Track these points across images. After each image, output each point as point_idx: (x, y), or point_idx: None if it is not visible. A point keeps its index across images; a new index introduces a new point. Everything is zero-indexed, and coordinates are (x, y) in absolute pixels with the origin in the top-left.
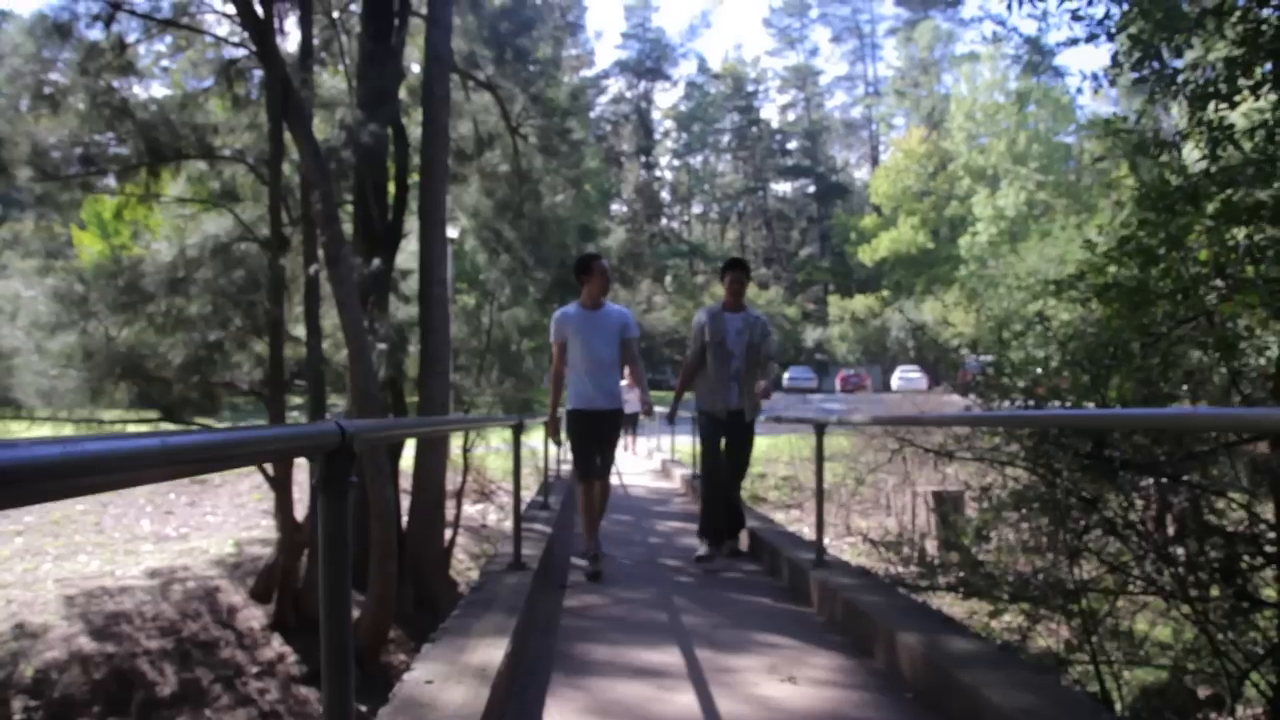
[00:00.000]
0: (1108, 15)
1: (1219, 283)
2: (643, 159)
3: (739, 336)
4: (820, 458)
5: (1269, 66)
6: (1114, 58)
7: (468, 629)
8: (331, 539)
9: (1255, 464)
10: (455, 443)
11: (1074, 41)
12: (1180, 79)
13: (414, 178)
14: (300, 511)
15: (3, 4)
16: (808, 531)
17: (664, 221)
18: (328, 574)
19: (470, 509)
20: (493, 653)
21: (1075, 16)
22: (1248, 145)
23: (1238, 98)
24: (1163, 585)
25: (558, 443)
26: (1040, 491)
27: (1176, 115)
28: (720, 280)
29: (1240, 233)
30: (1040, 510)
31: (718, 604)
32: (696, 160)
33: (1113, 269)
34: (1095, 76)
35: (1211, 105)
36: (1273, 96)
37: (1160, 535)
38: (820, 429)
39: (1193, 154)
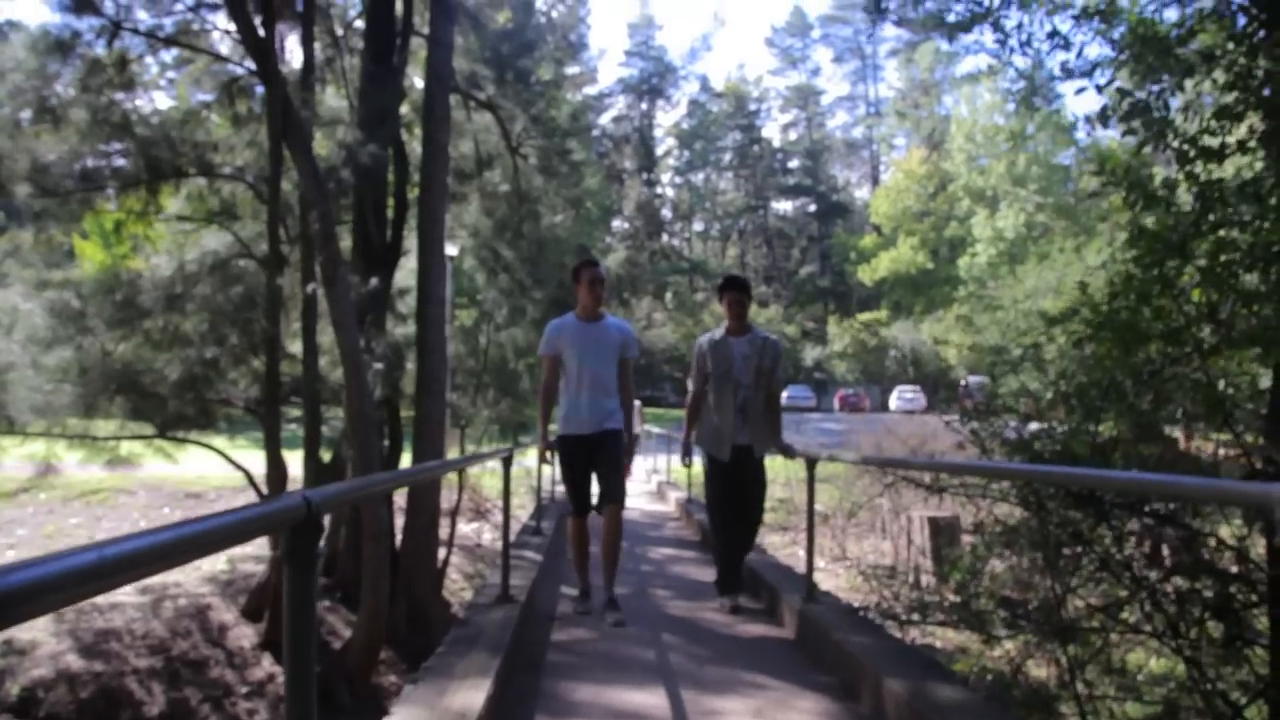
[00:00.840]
0: (1096, 66)
1: (1205, 332)
2: (644, 176)
3: (745, 363)
4: (811, 492)
5: (1261, 117)
6: (1103, 111)
7: (450, 669)
8: (297, 611)
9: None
10: (452, 457)
11: (1069, 74)
12: (1170, 131)
13: (414, 193)
14: None
15: (10, 14)
16: (803, 555)
17: (665, 239)
18: (293, 646)
19: (465, 528)
20: (474, 695)
21: (1065, 71)
22: (1236, 200)
23: (1227, 151)
24: (1155, 623)
25: (550, 464)
26: (1031, 527)
27: (1170, 155)
28: (719, 301)
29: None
30: (1031, 547)
31: (706, 639)
32: (698, 178)
33: (1105, 307)
34: (1088, 119)
35: (1200, 163)
36: (1261, 153)
37: (1152, 572)
38: (812, 464)
39: (1185, 196)
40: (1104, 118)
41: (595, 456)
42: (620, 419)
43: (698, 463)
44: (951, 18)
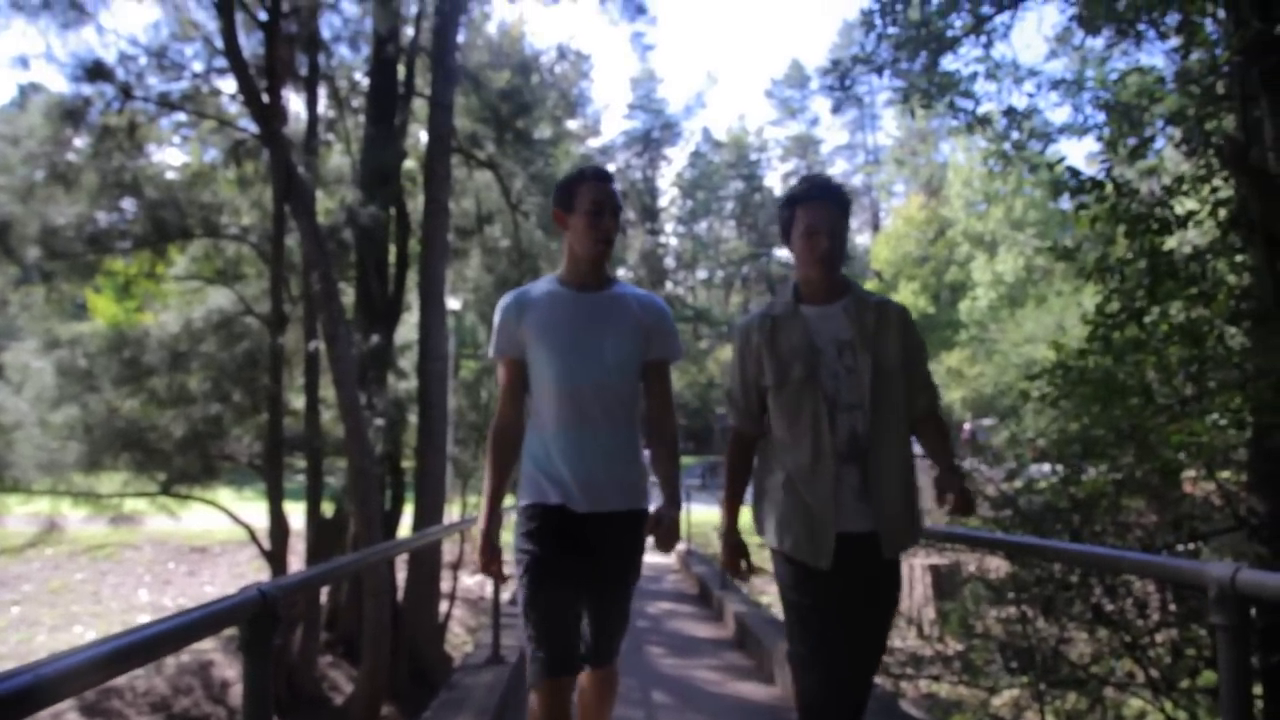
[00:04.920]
0: (1061, 130)
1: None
2: (647, 226)
3: (850, 353)
4: None
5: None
6: (1055, 185)
7: None
8: (255, 699)
9: (1237, 553)
10: (454, 511)
11: (1045, 138)
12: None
13: (415, 248)
14: None
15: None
16: None
17: (669, 287)
18: None
19: (469, 580)
20: None
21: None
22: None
23: (1179, 221)
24: (1149, 673)
25: (499, 578)
26: (1022, 580)
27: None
28: (784, 236)
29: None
30: (1020, 600)
31: (696, 700)
32: (701, 227)
33: (1081, 363)
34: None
35: (1148, 238)
36: (1210, 224)
37: (1143, 624)
38: None
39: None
40: (1055, 193)
41: (596, 561)
42: (645, 486)
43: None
44: (918, 98)
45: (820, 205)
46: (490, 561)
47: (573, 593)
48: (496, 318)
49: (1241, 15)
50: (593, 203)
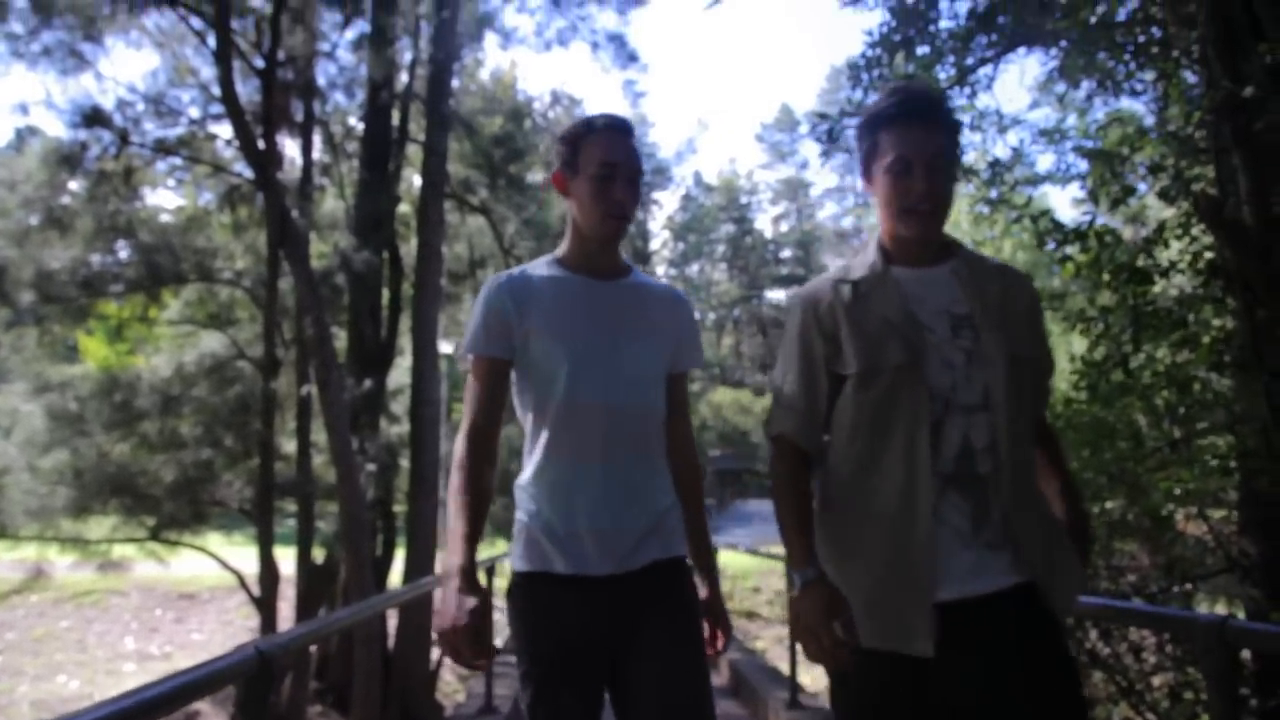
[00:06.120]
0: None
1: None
2: (639, 268)
3: (968, 334)
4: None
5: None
6: (1039, 237)
7: None
8: None
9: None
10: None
11: (1034, 184)
12: (1108, 252)
13: (408, 291)
14: (285, 628)
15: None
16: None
17: None
18: None
19: None
20: None
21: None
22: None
23: (1160, 272)
24: (1145, 718)
25: (481, 661)
26: None
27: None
28: (863, 171)
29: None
30: None
31: None
32: (692, 269)
33: (1069, 411)
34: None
35: (1131, 287)
36: (1190, 272)
37: (1139, 668)
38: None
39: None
40: (1040, 243)
41: (636, 641)
42: (678, 530)
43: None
44: None
45: (918, 128)
46: (472, 649)
47: (597, 698)
48: (481, 305)
49: (1213, 76)
50: (602, 163)
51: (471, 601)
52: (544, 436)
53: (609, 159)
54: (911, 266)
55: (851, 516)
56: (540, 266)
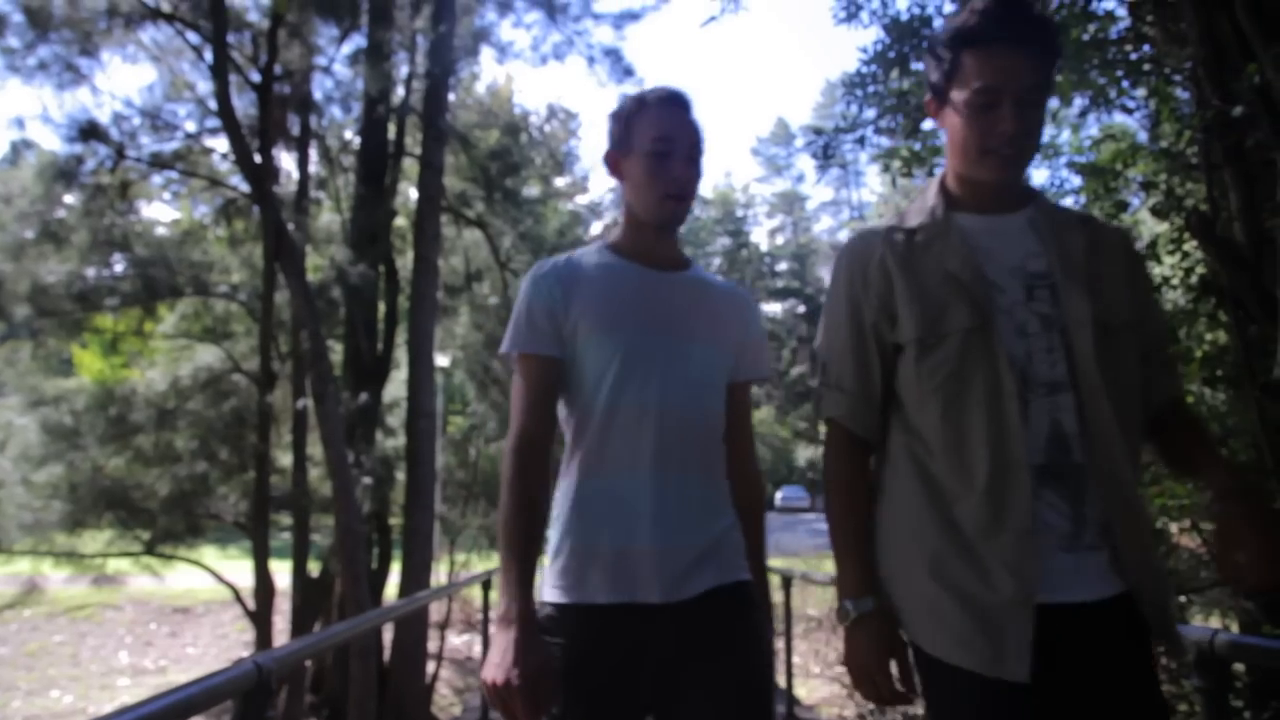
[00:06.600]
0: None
1: None
2: None
3: (1045, 297)
4: (789, 610)
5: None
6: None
7: None
8: None
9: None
10: (441, 571)
11: None
12: None
13: (404, 304)
14: (281, 642)
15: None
16: (798, 661)
17: None
18: None
19: (456, 640)
20: None
21: None
22: None
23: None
24: None
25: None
26: None
27: None
28: (935, 97)
29: None
30: None
31: None
32: None
33: None
34: None
35: None
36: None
37: None
38: (787, 581)
39: None
40: None
41: (689, 684)
42: (744, 549)
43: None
44: (898, 163)
45: (1014, 53)
46: (528, 709)
47: None
48: (524, 297)
49: (1204, 95)
50: (657, 138)
51: (533, 655)
52: (588, 443)
53: (665, 133)
54: (980, 214)
55: (922, 515)
56: (590, 253)
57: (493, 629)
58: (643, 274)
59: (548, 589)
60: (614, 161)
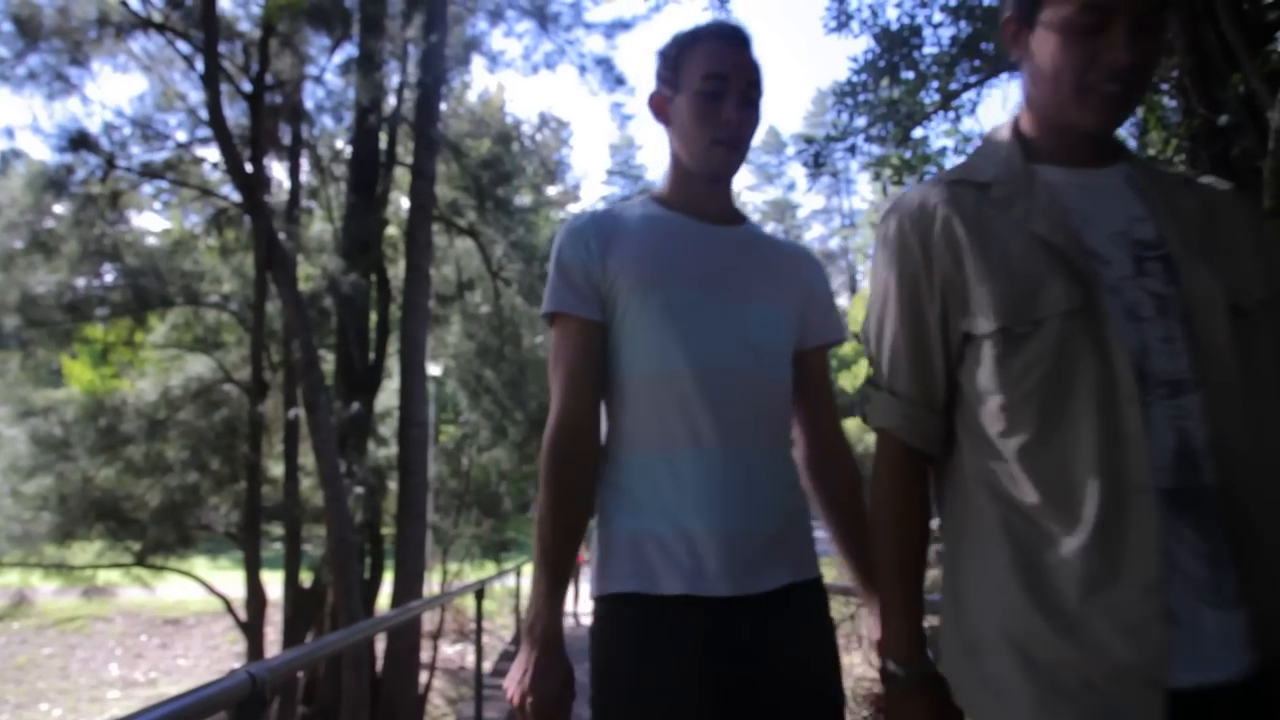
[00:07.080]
0: None
1: None
2: None
3: (1158, 271)
4: None
5: None
6: None
7: None
8: None
9: None
10: (434, 580)
11: None
12: None
13: (396, 313)
14: (273, 653)
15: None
16: None
17: None
18: None
19: (449, 650)
20: None
21: None
22: None
23: None
24: None
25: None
26: None
27: None
28: (1013, 29)
29: None
30: None
31: None
32: None
33: None
34: None
35: None
36: None
37: None
38: None
39: None
40: None
41: (763, 694)
42: (813, 540)
43: None
44: (888, 171)
45: None
46: (550, 706)
47: None
48: (557, 253)
49: (1190, 104)
50: (707, 75)
51: (550, 681)
52: (634, 414)
53: (717, 70)
54: (1067, 166)
55: (999, 560)
56: (633, 206)
57: (521, 639)
58: (692, 225)
59: (606, 579)
60: (659, 104)
